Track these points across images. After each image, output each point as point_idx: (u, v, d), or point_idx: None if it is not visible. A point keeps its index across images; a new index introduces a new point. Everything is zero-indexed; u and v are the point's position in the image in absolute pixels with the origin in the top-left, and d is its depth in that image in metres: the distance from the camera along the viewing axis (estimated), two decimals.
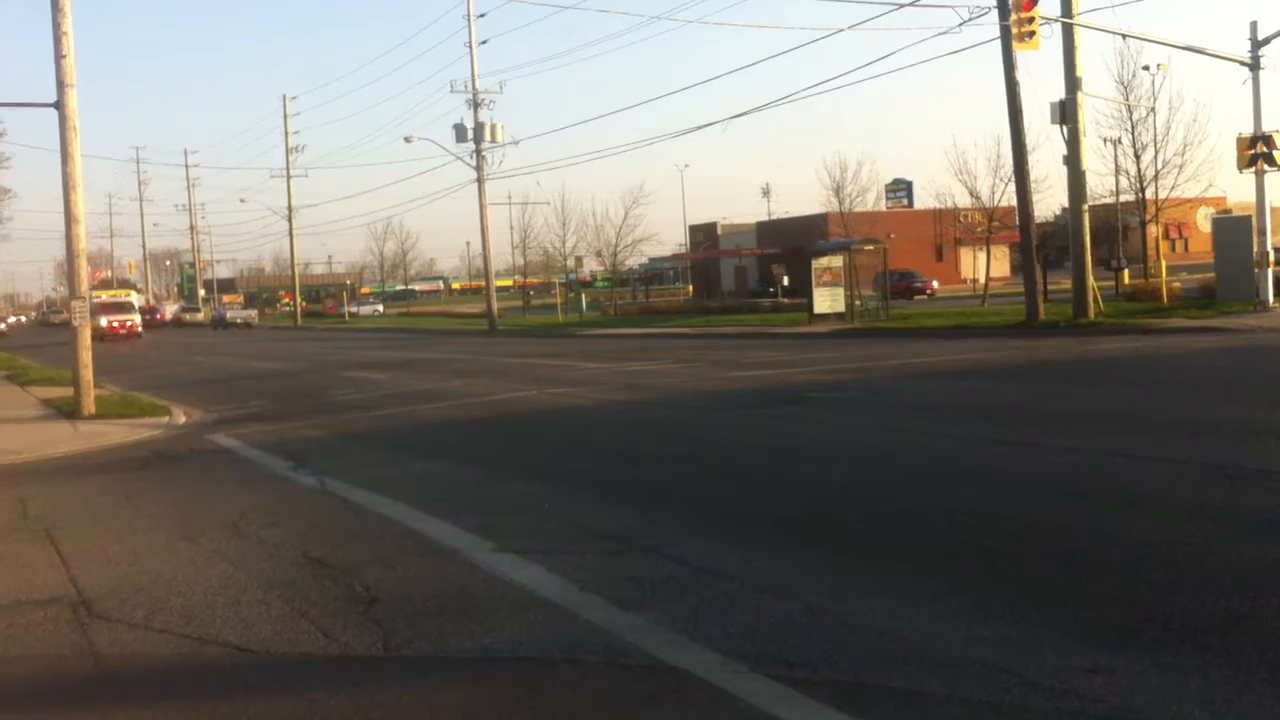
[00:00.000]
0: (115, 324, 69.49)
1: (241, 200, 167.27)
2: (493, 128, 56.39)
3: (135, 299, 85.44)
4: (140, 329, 71.83)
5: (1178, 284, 38.58)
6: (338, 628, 7.10)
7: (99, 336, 58.02)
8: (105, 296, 79.43)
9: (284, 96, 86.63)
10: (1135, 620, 6.29)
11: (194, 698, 6.13)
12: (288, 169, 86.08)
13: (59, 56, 21.59)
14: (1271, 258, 30.38)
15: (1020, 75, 31.53)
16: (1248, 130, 30.09)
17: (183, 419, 21.32)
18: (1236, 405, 14.65)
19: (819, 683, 5.61)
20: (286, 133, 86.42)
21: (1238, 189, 61.79)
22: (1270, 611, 6.26)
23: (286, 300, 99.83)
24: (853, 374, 21.95)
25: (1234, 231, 33.04)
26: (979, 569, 7.59)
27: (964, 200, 50.52)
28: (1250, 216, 32.00)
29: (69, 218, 22.04)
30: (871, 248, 43.30)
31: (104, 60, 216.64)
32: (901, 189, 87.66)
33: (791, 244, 69.18)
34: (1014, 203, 35.67)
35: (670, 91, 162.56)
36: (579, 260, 75.65)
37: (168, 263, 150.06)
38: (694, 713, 5.36)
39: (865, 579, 7.57)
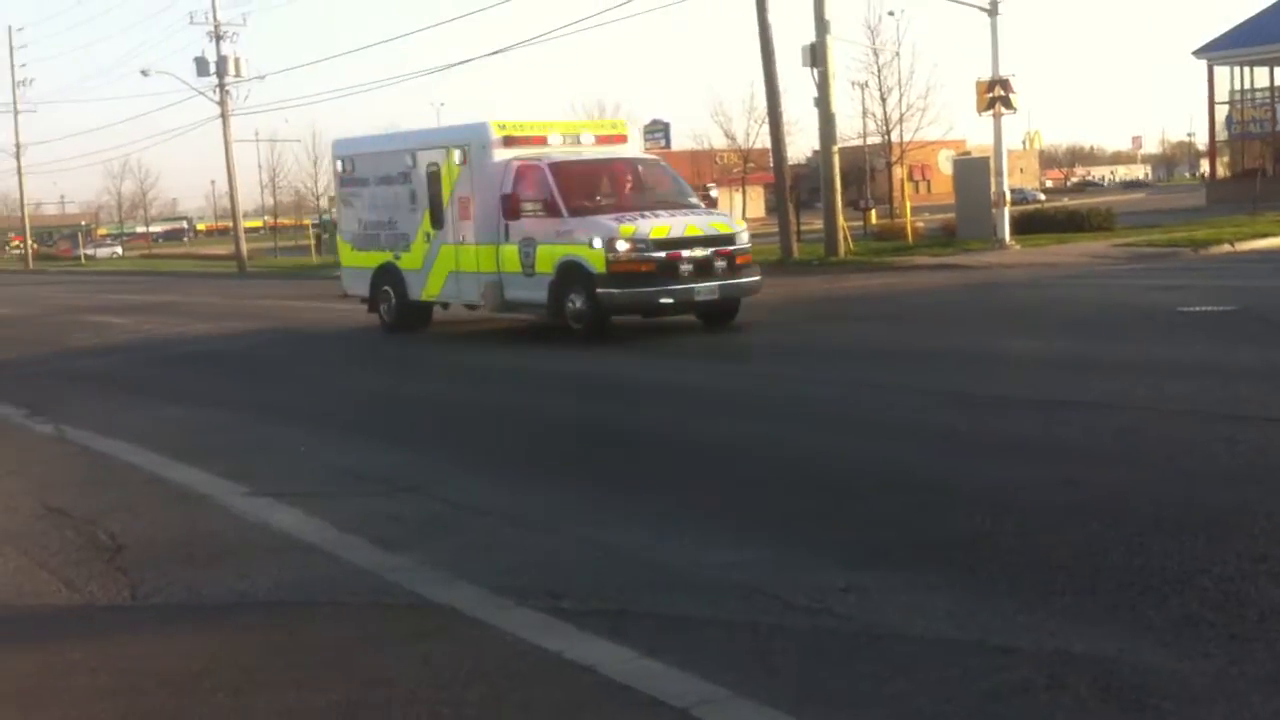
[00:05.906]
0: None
1: None
2: (236, 61, 53.90)
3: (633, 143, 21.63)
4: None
5: (921, 223, 40.11)
6: (81, 578, 6.75)
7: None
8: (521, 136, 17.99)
9: (9, 28, 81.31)
10: (886, 541, 6.53)
11: None
12: (15, 104, 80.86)
13: None
14: (1008, 198, 31.80)
15: (772, 17, 32.04)
16: (987, 75, 31.32)
17: None
18: (976, 336, 15.35)
19: (585, 612, 5.63)
20: (13, 66, 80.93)
21: (977, 133, 64.58)
22: (1010, 529, 6.58)
23: (16, 243, 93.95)
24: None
25: (973, 173, 34.51)
26: (738, 497, 7.76)
27: (720, 142, 51.34)
28: (988, 158, 33.42)
29: None
30: None
31: None
32: (659, 130, 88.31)
33: None
34: (769, 145, 36.36)
35: (423, 27, 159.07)
36: (332, 200, 73.68)
37: None
38: (461, 648, 5.30)
39: (628, 511, 7.64)
